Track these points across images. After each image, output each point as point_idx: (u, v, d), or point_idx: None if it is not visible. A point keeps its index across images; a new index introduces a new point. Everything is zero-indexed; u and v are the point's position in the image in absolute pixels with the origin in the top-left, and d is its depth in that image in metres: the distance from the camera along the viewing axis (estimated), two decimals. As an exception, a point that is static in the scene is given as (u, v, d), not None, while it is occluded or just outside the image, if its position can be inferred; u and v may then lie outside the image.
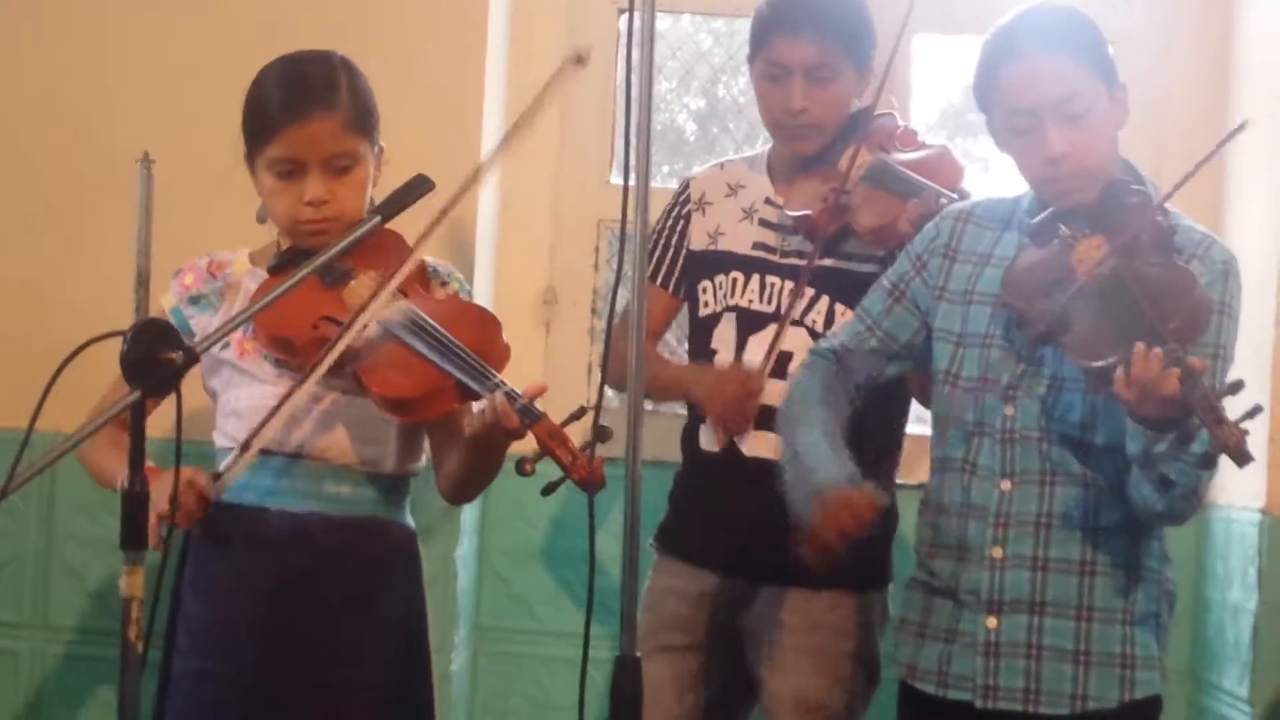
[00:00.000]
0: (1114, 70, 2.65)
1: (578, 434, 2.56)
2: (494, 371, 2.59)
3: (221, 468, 2.65)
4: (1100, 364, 2.42)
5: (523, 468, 2.50)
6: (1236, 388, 2.33)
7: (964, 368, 2.71)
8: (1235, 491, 3.50)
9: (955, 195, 2.97)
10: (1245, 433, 2.26)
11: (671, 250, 3.27)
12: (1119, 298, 2.46)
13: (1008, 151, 2.70)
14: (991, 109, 2.69)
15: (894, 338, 2.81)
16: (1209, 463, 2.33)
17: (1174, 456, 2.42)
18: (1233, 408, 2.30)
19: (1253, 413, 2.28)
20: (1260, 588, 3.43)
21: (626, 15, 2.28)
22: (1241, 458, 2.27)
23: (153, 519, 2.24)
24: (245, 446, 2.63)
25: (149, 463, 2.19)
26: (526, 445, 2.55)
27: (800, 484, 2.70)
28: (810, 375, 2.85)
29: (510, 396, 2.52)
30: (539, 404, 2.55)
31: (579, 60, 2.54)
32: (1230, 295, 2.61)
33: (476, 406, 2.65)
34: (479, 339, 2.65)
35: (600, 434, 2.44)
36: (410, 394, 2.62)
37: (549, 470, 2.51)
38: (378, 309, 2.64)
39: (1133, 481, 2.55)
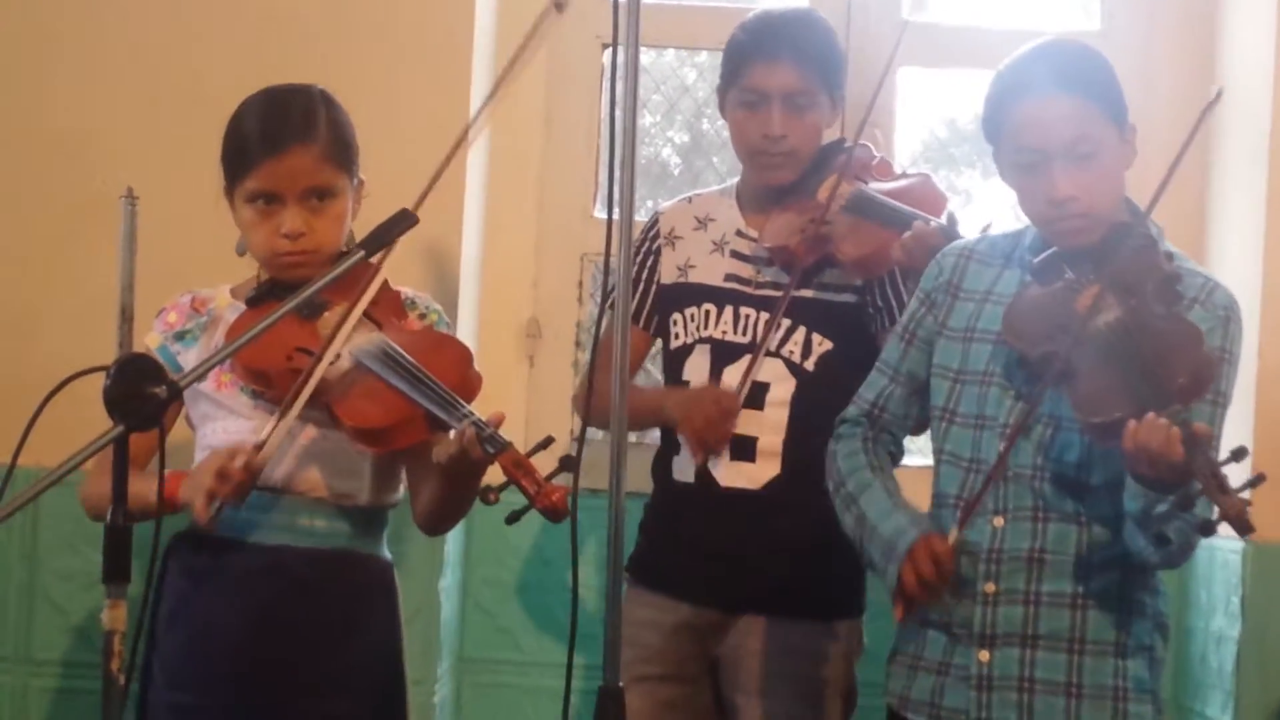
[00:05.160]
0: (1125, 111, 2.64)
1: (548, 462, 2.55)
2: (463, 402, 2.59)
3: (262, 435, 2.62)
4: (1102, 420, 2.41)
5: (486, 497, 2.51)
6: (1240, 454, 2.29)
7: (960, 404, 2.70)
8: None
9: (943, 221, 2.98)
10: (1247, 502, 2.24)
11: (642, 285, 3.26)
12: (1124, 351, 2.44)
13: (1012, 186, 2.67)
14: (999, 142, 2.67)
15: (915, 377, 2.79)
16: (1208, 529, 2.32)
17: (1174, 517, 2.42)
18: (1234, 473, 2.28)
19: (1255, 481, 2.27)
20: (1243, 616, 3.44)
21: (610, 49, 2.28)
22: (1243, 528, 2.25)
23: (202, 499, 2.51)
24: (283, 413, 2.61)
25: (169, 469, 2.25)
26: (493, 474, 2.55)
27: (879, 549, 2.67)
28: (848, 448, 2.82)
29: (477, 426, 2.53)
30: (507, 434, 2.55)
31: (558, 6, 2.60)
32: (1231, 341, 2.59)
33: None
34: (450, 369, 2.66)
35: (566, 464, 2.45)
36: (380, 424, 2.63)
37: (516, 499, 2.51)
38: (350, 336, 2.65)
39: (1128, 531, 2.54)
